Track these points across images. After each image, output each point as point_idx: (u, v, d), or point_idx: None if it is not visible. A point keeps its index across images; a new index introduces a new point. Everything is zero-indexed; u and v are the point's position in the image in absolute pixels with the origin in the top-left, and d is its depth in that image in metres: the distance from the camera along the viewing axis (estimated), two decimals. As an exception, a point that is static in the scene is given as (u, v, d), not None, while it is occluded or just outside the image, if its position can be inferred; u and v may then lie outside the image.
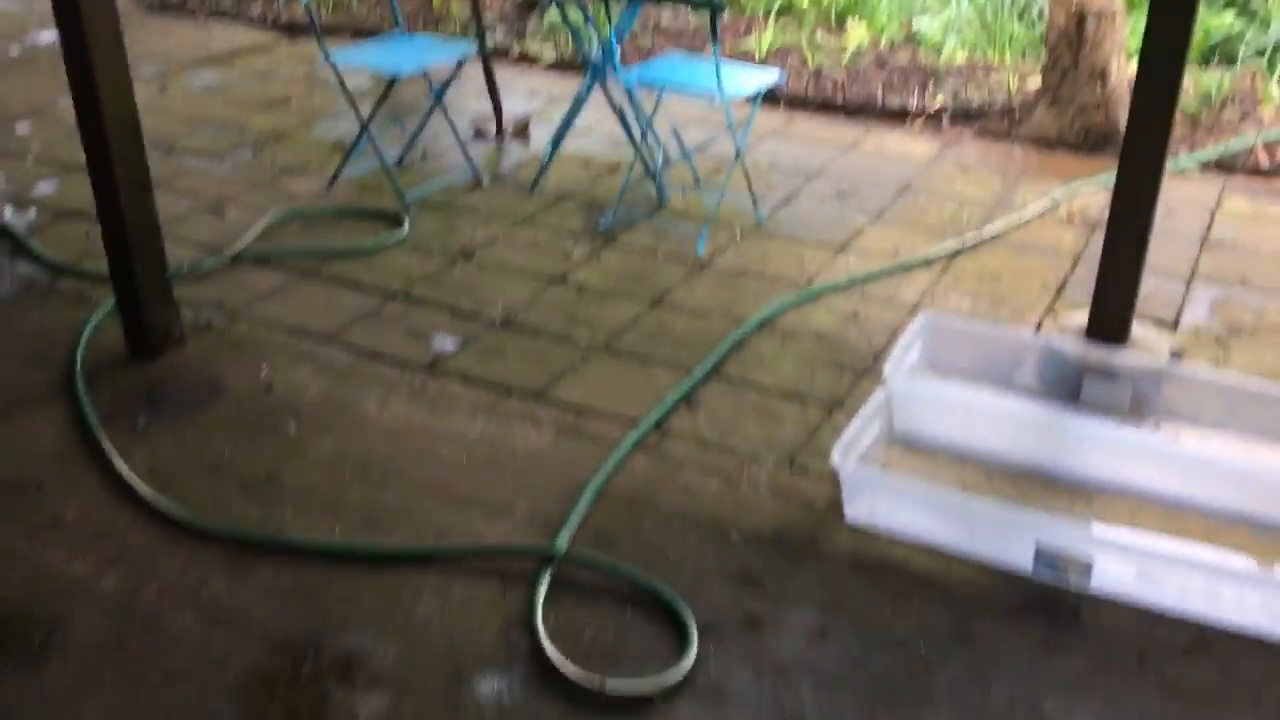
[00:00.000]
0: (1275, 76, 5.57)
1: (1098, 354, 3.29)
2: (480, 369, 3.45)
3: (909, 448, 3.10)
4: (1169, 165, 4.00)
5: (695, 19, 6.72)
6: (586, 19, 4.58)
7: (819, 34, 6.49)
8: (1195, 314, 3.77)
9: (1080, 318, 3.58)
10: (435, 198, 4.58)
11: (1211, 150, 4.92)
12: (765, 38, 6.32)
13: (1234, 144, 4.96)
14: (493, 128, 5.21)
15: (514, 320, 3.72)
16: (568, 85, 5.66)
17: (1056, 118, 5.12)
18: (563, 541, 2.71)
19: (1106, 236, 3.41)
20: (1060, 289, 3.92)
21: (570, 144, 4.86)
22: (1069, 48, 5.06)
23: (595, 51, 4.47)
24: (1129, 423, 3.13)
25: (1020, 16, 6.35)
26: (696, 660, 2.38)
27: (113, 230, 3.34)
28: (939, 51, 6.17)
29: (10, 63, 6.22)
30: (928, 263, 4.09)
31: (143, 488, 2.89)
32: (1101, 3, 4.96)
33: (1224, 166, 4.84)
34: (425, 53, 4.69)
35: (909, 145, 5.18)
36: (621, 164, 4.79)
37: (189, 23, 6.88)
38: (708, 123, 5.07)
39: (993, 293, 3.89)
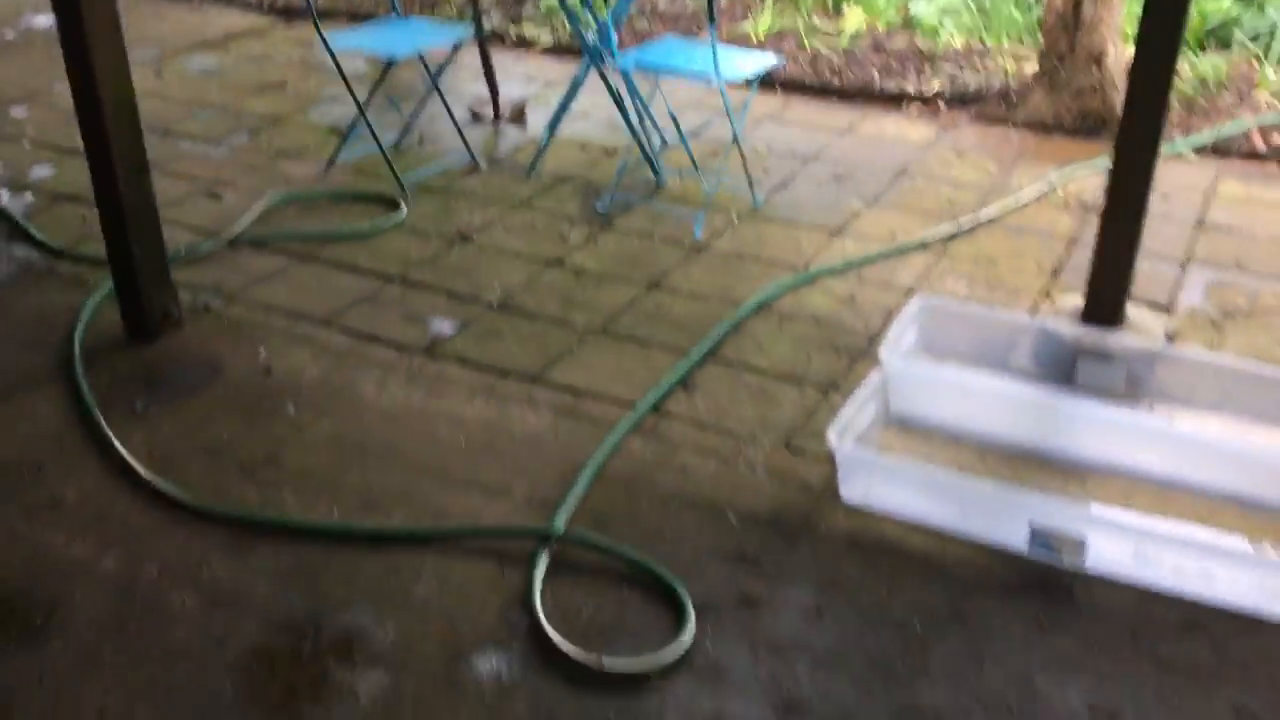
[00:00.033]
0: (1271, 61, 5.57)
1: (1093, 336, 3.30)
2: (478, 352, 3.46)
3: (905, 429, 3.12)
4: (1165, 149, 4.02)
5: (692, 3, 6.71)
6: (583, 3, 4.58)
7: (816, 18, 6.49)
8: (1190, 297, 3.78)
9: (1076, 301, 3.60)
10: (432, 181, 4.58)
11: (1207, 134, 4.93)
12: (762, 22, 6.31)
13: (1229, 128, 4.97)
14: (489, 112, 5.21)
15: (511, 303, 3.73)
16: (564, 69, 5.66)
17: (1053, 102, 5.12)
18: (560, 522, 2.73)
19: (1102, 220, 3.43)
20: (1056, 272, 3.93)
21: (567, 128, 4.86)
22: (1065, 31, 5.06)
23: (592, 35, 4.47)
24: (1123, 404, 3.14)
25: (1017, 1, 6.34)
26: (694, 639, 2.40)
27: (110, 213, 3.34)
28: (936, 36, 6.17)
29: (5, 46, 6.21)
30: (924, 246, 4.10)
31: (142, 469, 2.90)
32: (1098, -14, 4.96)
33: (1219, 151, 4.85)
34: (421, 36, 4.69)
35: (906, 129, 5.19)
36: (618, 148, 4.79)
37: (184, 6, 6.86)
38: (705, 107, 5.07)
39: (988, 276, 3.90)
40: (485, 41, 5.19)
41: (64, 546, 2.68)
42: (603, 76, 4.55)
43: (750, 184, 4.43)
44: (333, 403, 3.21)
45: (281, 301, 3.71)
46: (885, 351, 3.13)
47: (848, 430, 2.84)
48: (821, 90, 5.57)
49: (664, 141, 4.74)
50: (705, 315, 3.64)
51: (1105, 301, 3.48)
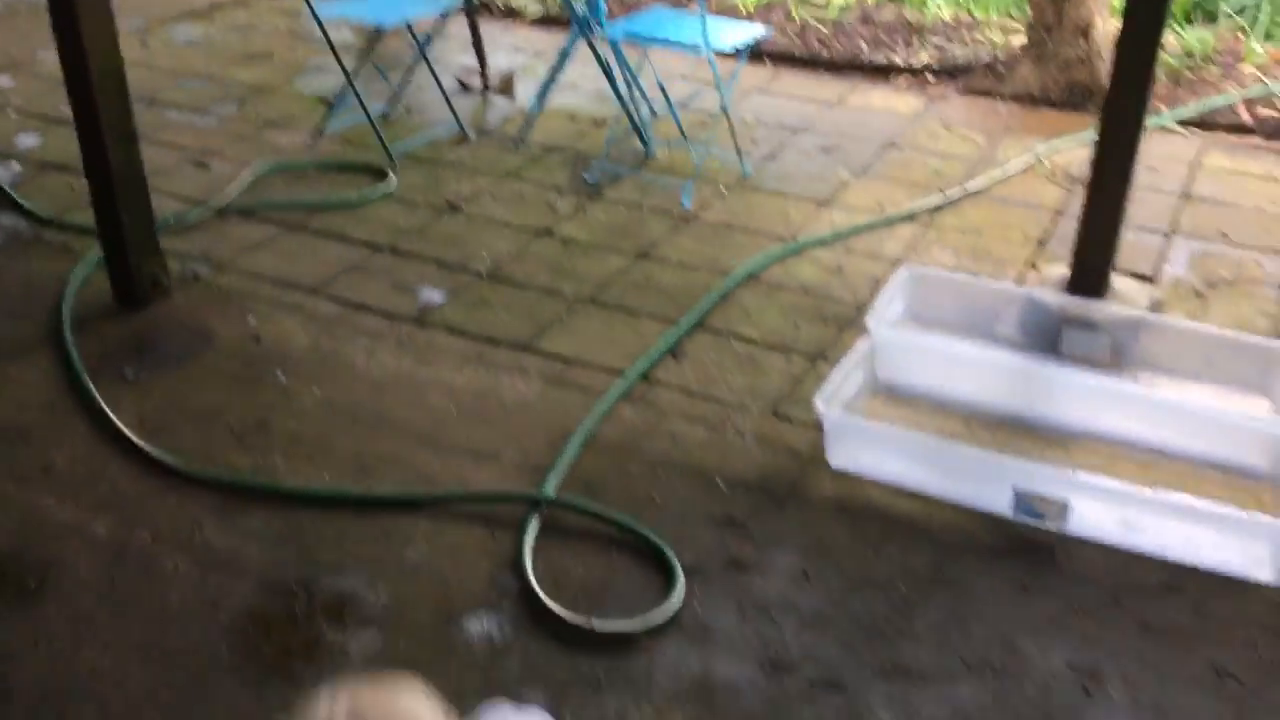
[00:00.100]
0: (1257, 34, 5.59)
1: (1078, 306, 3.33)
2: (467, 320, 3.47)
3: (891, 397, 3.14)
4: (1151, 122, 4.05)
5: (680, -26, 6.68)
6: (572, -28, 4.56)
7: (804, -10, 6.47)
8: (1174, 268, 3.82)
9: (1061, 271, 3.63)
10: (421, 151, 4.58)
11: (1193, 107, 4.96)
12: (750, -7, 6.31)
13: (1215, 101, 5.00)
14: (478, 82, 5.20)
15: (501, 273, 3.74)
16: (553, 40, 5.64)
17: (1040, 74, 5.14)
18: (551, 487, 2.75)
19: (1087, 191, 3.45)
20: (1042, 243, 3.96)
21: (556, 99, 4.86)
22: (1052, 3, 5.07)
23: (580, 6, 4.46)
24: (1108, 373, 3.17)
25: (1005, -27, 6.34)
26: (682, 601, 2.43)
27: (99, 181, 3.34)
28: (924, 8, 6.16)
29: (-12, 15, 6.16)
30: (911, 217, 4.12)
31: (133, 435, 2.91)
32: (1086, -41, 4.97)
33: (1205, 123, 4.87)
34: (409, 5, 4.67)
35: (893, 101, 5.20)
36: (607, 118, 4.79)
37: (169, -24, 6.79)
38: (693, 78, 5.07)
39: (975, 247, 3.93)
40: (473, 11, 5.17)
41: (56, 511, 2.70)
42: (591, 47, 4.55)
43: (739, 155, 4.44)
44: (323, 370, 3.22)
45: (270, 270, 3.71)
46: (872, 320, 3.15)
47: (835, 397, 2.87)
48: (810, 62, 5.58)
49: (653, 112, 4.74)
50: (694, 285, 3.66)
51: (1090, 271, 3.51)
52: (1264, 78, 5.20)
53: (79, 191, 3.89)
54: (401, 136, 4.65)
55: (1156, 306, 3.55)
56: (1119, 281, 3.57)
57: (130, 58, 3.34)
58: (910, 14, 6.12)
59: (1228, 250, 3.92)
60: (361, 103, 4.52)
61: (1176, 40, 5.48)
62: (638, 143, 4.57)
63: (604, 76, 4.54)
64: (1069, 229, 3.66)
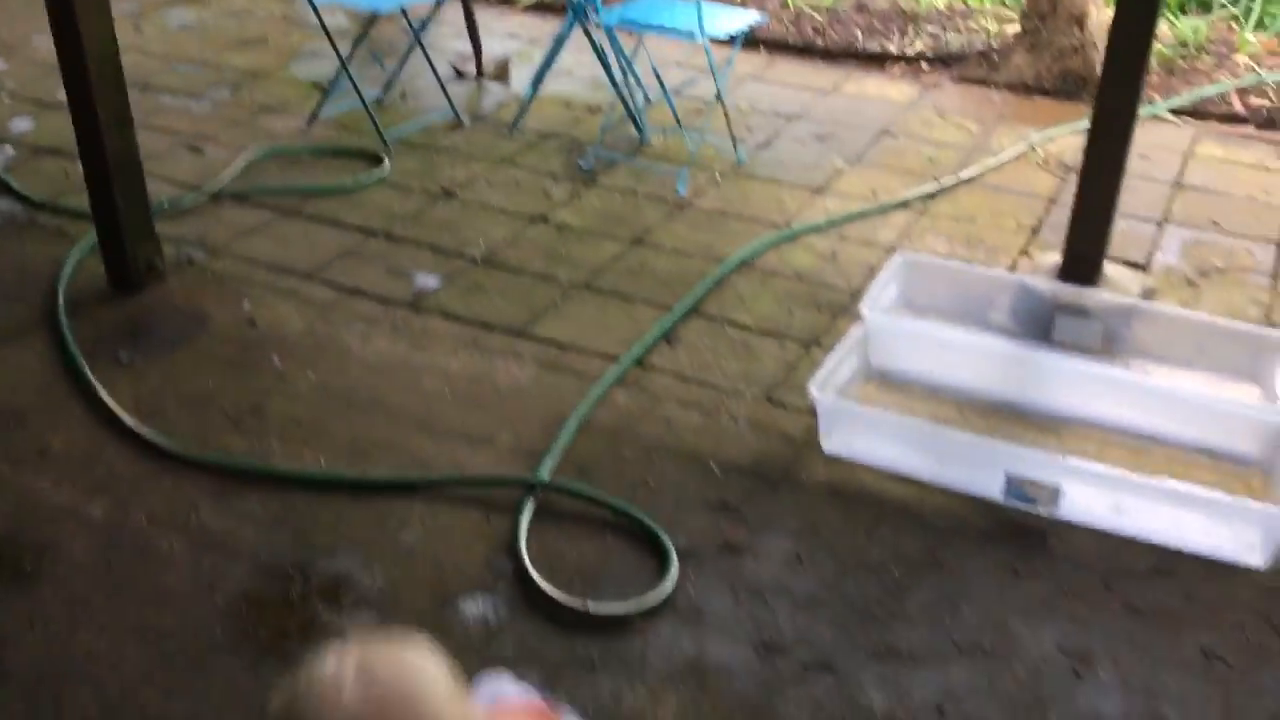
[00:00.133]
0: (1250, 24, 5.60)
1: (1070, 293, 3.35)
2: (462, 306, 3.48)
3: (885, 383, 3.16)
4: (1144, 110, 4.06)
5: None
6: (567, -42, 4.56)
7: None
8: (1166, 256, 3.84)
9: (1054, 259, 3.64)
10: (415, 137, 4.57)
11: (1186, 96, 4.97)
12: (746, -19, 6.29)
13: (1208, 90, 5.01)
14: (472, 68, 5.19)
15: (495, 258, 3.75)
16: (548, 26, 5.64)
17: (1034, 62, 5.15)
18: (546, 471, 2.76)
19: (1080, 179, 3.46)
20: (1035, 231, 3.97)
21: (550, 85, 4.86)
22: (1047, -8, 5.08)
23: (576, -9, 4.46)
24: (1099, 360, 3.19)
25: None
26: (676, 584, 2.45)
27: (94, 165, 3.33)
28: (919, -4, 6.16)
29: (-19, -1, 6.13)
30: (905, 205, 4.13)
31: (128, 418, 2.92)
32: (1081, -53, 4.97)
33: (1198, 112, 4.89)
34: (405, -9, 4.66)
35: (888, 89, 5.20)
36: (602, 105, 4.79)
37: (163, -40, 6.77)
38: (688, 65, 5.07)
39: (968, 234, 3.94)
40: (468, -3, 5.16)
41: (52, 494, 2.70)
42: (586, 33, 4.55)
43: (733, 142, 4.44)
44: (318, 354, 3.23)
45: (265, 255, 3.71)
46: (866, 306, 3.16)
47: (829, 383, 2.88)
48: (805, 50, 5.58)
49: (647, 99, 4.74)
50: (688, 271, 3.67)
51: (1083, 259, 3.52)
52: (1257, 67, 5.22)
53: (73, 176, 3.90)
54: (396, 122, 4.64)
55: (1148, 294, 3.57)
56: (1111, 269, 3.59)
57: (124, 42, 3.33)
58: (905, 2, 6.12)
59: (1219, 239, 3.94)
60: (356, 88, 4.52)
61: (1170, 29, 5.50)
62: (632, 129, 4.57)
63: (599, 63, 4.55)
64: (1062, 217, 3.68)
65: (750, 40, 5.36)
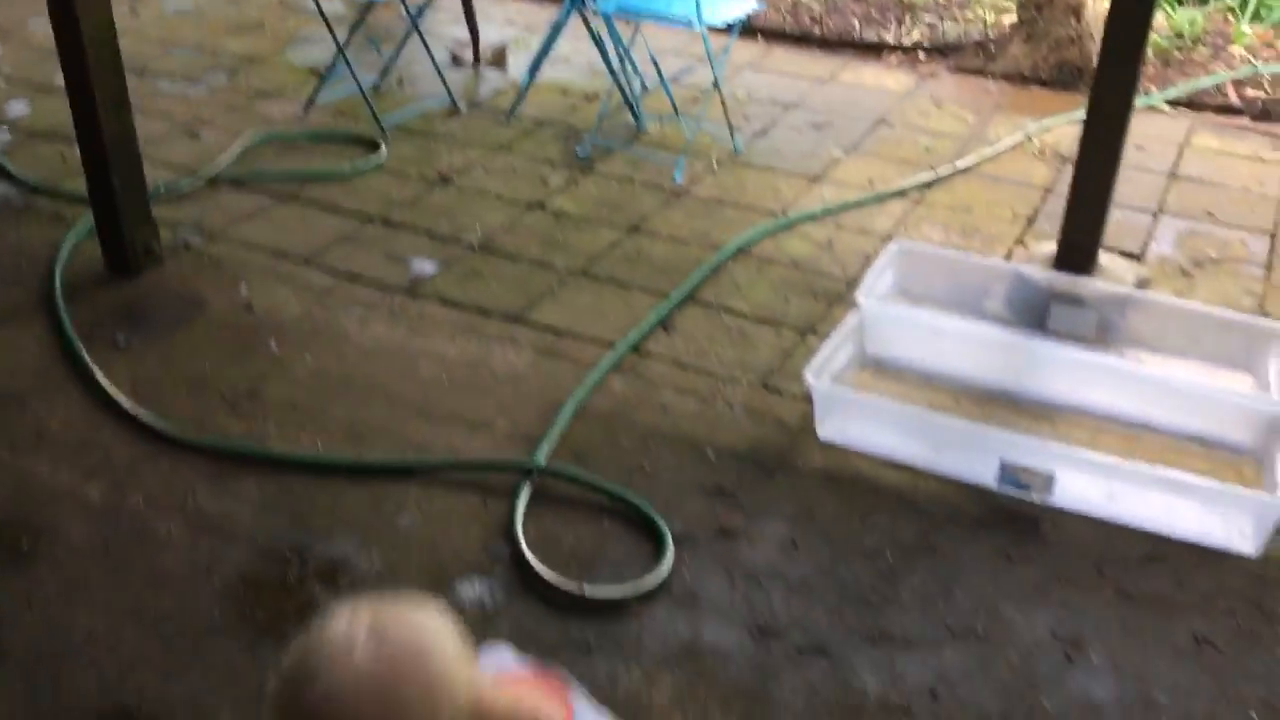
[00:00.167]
0: (1246, 15, 5.61)
1: (1065, 282, 3.36)
2: (459, 292, 3.48)
3: (880, 370, 3.17)
4: (1140, 101, 4.07)
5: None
6: (565, -55, 4.55)
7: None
8: (1161, 246, 3.85)
9: (1049, 248, 3.65)
10: (412, 124, 4.57)
11: (1182, 87, 4.98)
12: (743, -30, 6.28)
13: (1204, 82, 5.02)
14: (469, 55, 5.19)
15: (492, 245, 3.75)
16: (545, 14, 5.63)
17: (1031, 52, 5.15)
18: (542, 456, 2.77)
19: (1076, 168, 3.47)
20: (1031, 221, 3.99)
21: (547, 72, 4.85)
22: (1045, -17, 5.08)
23: (574, -22, 4.46)
24: (1094, 349, 3.21)
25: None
26: (672, 568, 2.46)
27: (92, 149, 3.33)
28: (916, -14, 6.16)
29: (-24, -17, 6.11)
30: (901, 194, 4.14)
31: (126, 401, 2.92)
32: (1078, -62, 4.98)
33: (1194, 104, 4.90)
34: (402, -24, 4.65)
35: (885, 79, 5.21)
36: (599, 92, 4.79)
37: (159, -55, 6.75)
38: (686, 53, 5.07)
39: (964, 223, 3.95)
40: (466, -16, 5.15)
41: (49, 476, 2.71)
42: (584, 20, 4.55)
43: (730, 130, 4.45)
44: (315, 339, 3.23)
45: (262, 240, 3.71)
46: (862, 294, 3.17)
47: (824, 369, 2.90)
48: (802, 39, 5.58)
49: (645, 87, 4.74)
50: (685, 259, 3.68)
51: (1078, 249, 3.53)
52: (1252, 59, 5.23)
53: (69, 160, 3.90)
54: (393, 108, 4.64)
55: (1143, 284, 3.58)
56: (1106, 259, 3.60)
57: (121, 26, 3.32)
58: (902, -8, 6.11)
59: (1214, 229, 3.96)
60: (353, 74, 4.52)
61: (1166, 20, 5.50)
62: (629, 117, 4.57)
63: (596, 50, 4.55)
64: (1057, 207, 3.69)
65: (747, 29, 5.37)
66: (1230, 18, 5.65)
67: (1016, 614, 2.40)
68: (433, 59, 4.76)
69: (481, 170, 4.24)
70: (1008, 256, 3.75)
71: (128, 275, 3.46)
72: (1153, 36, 4.03)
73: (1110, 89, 3.34)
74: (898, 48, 5.46)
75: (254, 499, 2.65)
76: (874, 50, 5.47)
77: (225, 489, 2.68)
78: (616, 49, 4.45)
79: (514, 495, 2.65)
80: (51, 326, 3.23)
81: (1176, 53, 5.32)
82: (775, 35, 5.60)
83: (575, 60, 5.11)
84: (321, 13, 4.49)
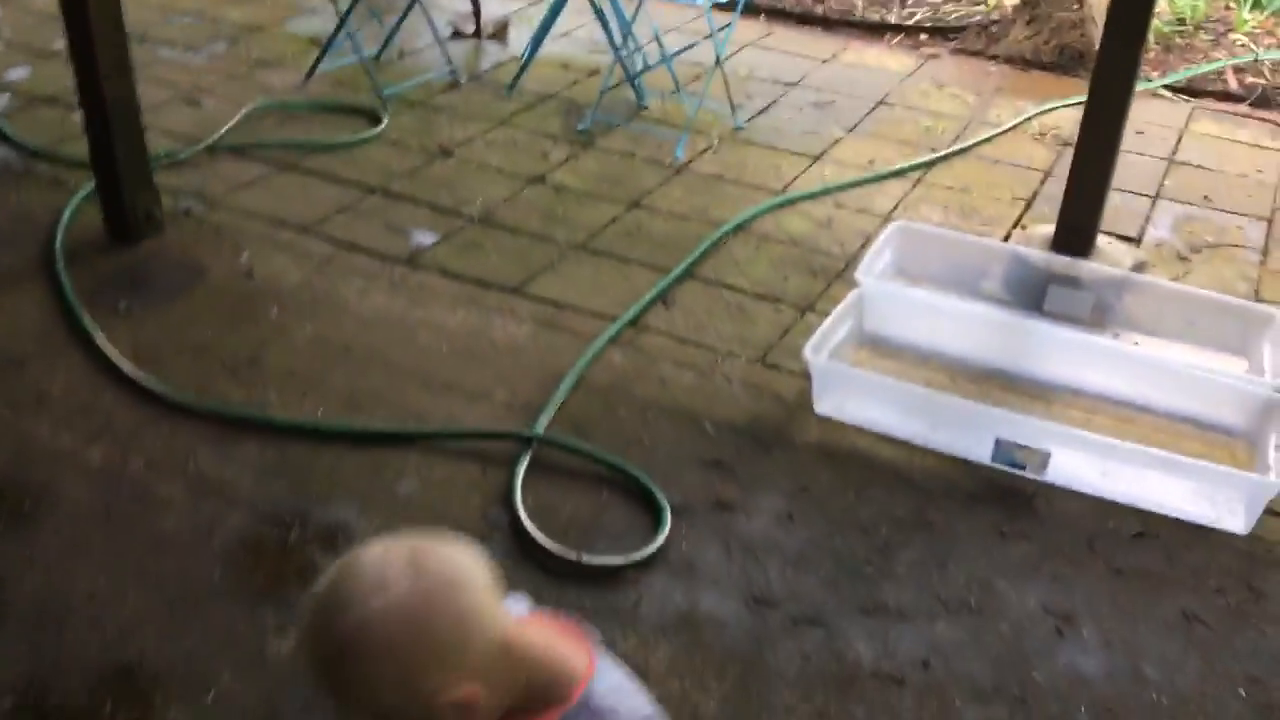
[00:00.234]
0: (1248, 2, 5.62)
1: (1063, 264, 3.38)
2: (459, 263, 3.49)
3: (878, 348, 3.19)
4: (1140, 86, 4.08)
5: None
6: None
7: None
8: (1159, 230, 3.87)
9: (1048, 231, 3.67)
10: (413, 95, 4.57)
11: (1183, 73, 4.99)
12: (746, -52, 6.27)
13: (1205, 68, 5.03)
14: (471, 28, 5.18)
15: (492, 217, 3.76)
16: (547, -12, 5.61)
17: (1033, 36, 5.16)
18: (541, 426, 2.79)
19: (1076, 152, 3.49)
20: (1029, 203, 4.00)
21: (549, 47, 4.85)
22: (1048, -34, 5.09)
23: (577, -48, 4.45)
24: (1090, 330, 3.23)
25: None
26: (669, 538, 2.48)
27: (94, 115, 3.33)
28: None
29: (-25, -53, 6.07)
30: (901, 174, 4.15)
31: (127, 365, 2.93)
32: (1082, -79, 4.98)
33: (1194, 90, 4.92)
34: (405, -52, 4.64)
35: (886, 60, 5.21)
36: (601, 68, 4.78)
37: (159, -88, 6.71)
38: (688, 30, 5.05)
39: (963, 204, 3.97)
40: (468, -44, 5.14)
41: (50, 438, 2.72)
42: (587, -5, 4.54)
43: (732, 108, 4.45)
44: (315, 307, 3.24)
45: (263, 208, 3.72)
46: (861, 272, 3.19)
47: (823, 345, 2.91)
48: (804, 18, 5.58)
49: (646, 63, 4.73)
50: (685, 234, 3.69)
51: (1076, 231, 3.55)
52: (1253, 46, 5.24)
53: (69, 125, 3.89)
54: (393, 80, 4.63)
55: (1140, 267, 3.60)
56: (1104, 242, 3.62)
57: (122, -8, 3.32)
58: (905, -27, 6.10)
59: (1211, 215, 3.98)
60: (355, 44, 4.51)
61: (1169, 6, 5.51)
62: (631, 93, 4.57)
63: (599, 25, 4.54)
64: (1056, 189, 3.71)
65: (750, 7, 5.36)
66: (1232, 4, 5.66)
67: (1009, 588, 2.42)
68: (434, 31, 4.76)
69: (482, 143, 4.24)
70: (1006, 238, 3.77)
71: (128, 241, 3.46)
72: (1154, 22, 4.04)
73: (1111, 73, 3.35)
74: (900, 29, 5.46)
75: (254, 464, 2.67)
76: (876, 31, 5.47)
77: (226, 454, 2.69)
78: (619, 25, 4.45)
79: (513, 464, 2.66)
80: (52, 291, 3.23)
81: (1178, 38, 5.33)
82: (778, 14, 5.60)
83: (577, 35, 5.11)
84: (324, -18, 4.47)
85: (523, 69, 4.69)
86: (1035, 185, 4.12)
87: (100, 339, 3.01)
